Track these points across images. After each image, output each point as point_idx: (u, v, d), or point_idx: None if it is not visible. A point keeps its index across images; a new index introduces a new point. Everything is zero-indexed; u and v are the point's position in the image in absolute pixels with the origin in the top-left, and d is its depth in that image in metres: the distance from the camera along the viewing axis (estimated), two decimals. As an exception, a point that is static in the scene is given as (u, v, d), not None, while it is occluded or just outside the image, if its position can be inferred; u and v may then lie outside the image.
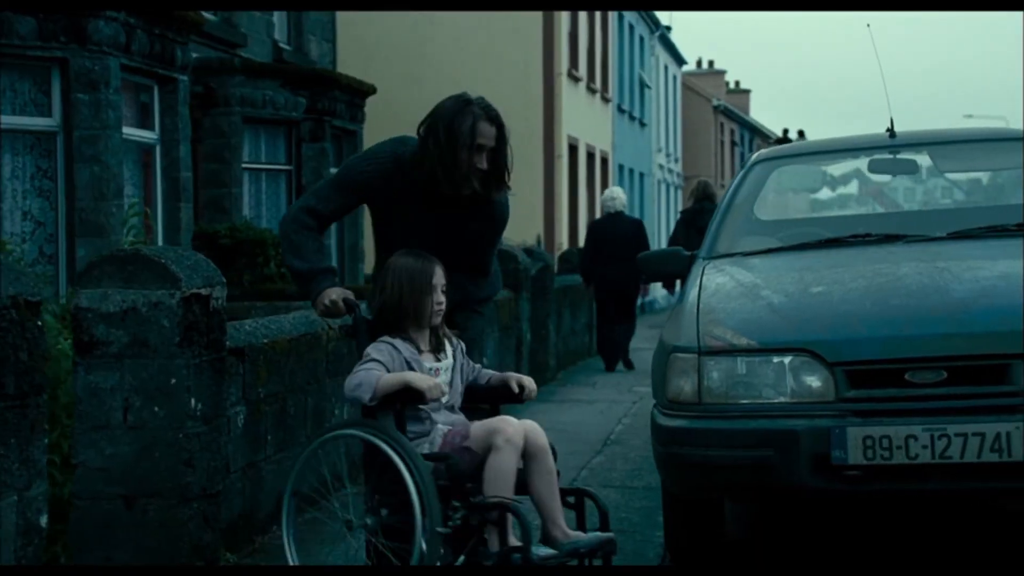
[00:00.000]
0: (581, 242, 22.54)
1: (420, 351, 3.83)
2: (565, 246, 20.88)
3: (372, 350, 3.76)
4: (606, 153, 26.58)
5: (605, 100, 25.95)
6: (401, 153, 4.11)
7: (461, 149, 3.99)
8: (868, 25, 5.52)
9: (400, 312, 3.80)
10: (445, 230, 4.10)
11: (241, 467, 4.77)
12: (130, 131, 9.46)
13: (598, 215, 24.51)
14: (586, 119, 23.41)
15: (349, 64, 17.25)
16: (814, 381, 4.05)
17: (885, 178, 5.91)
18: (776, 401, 4.07)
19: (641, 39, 31.50)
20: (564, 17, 21.29)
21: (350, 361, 6.26)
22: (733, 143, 49.82)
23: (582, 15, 23.28)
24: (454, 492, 3.68)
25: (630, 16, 29.34)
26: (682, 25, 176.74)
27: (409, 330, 3.82)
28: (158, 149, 9.96)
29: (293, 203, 4.39)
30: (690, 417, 4.14)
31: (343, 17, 16.92)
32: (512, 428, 3.71)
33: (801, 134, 48.27)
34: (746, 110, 62.32)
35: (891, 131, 5.63)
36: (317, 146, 13.24)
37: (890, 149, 5.60)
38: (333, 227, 14.36)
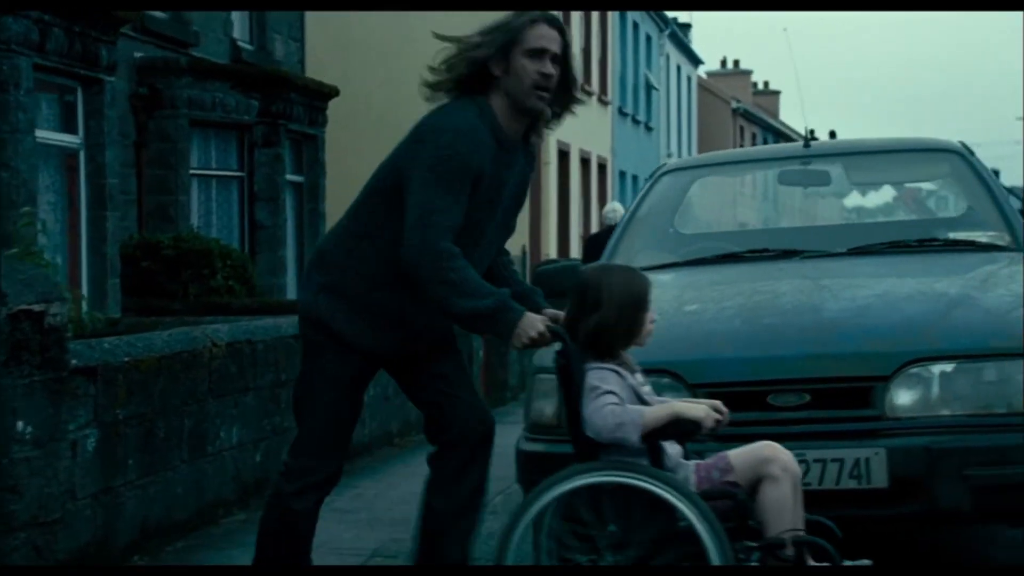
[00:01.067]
0: (572, 255, 22.56)
1: (633, 373, 3.59)
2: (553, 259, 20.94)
3: (599, 380, 3.46)
4: (604, 159, 26.64)
5: (603, 103, 26.03)
6: (482, 112, 3.63)
7: (517, 55, 3.60)
8: (785, 29, 5.57)
9: (617, 333, 3.53)
10: (507, 197, 3.67)
11: (92, 493, 4.82)
12: (48, 135, 9.54)
13: (594, 226, 24.61)
14: (579, 123, 23.37)
15: (319, 64, 17.35)
16: None
17: (796, 189, 5.96)
18: None
19: (648, 38, 31.59)
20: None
21: (240, 381, 6.34)
22: (754, 146, 49.93)
23: (576, 12, 23.37)
24: (741, 532, 3.42)
25: (634, 14, 29.42)
26: (706, 23, 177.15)
27: (621, 352, 3.56)
28: (82, 154, 10.04)
29: (413, 232, 3.46)
30: (550, 441, 4.18)
31: (313, 14, 17.03)
32: (786, 455, 3.48)
33: (832, 135, 48.24)
34: (775, 112, 62.46)
35: (807, 140, 5.69)
36: (271, 151, 13.32)
37: (802, 160, 5.65)
38: (292, 237, 14.52)
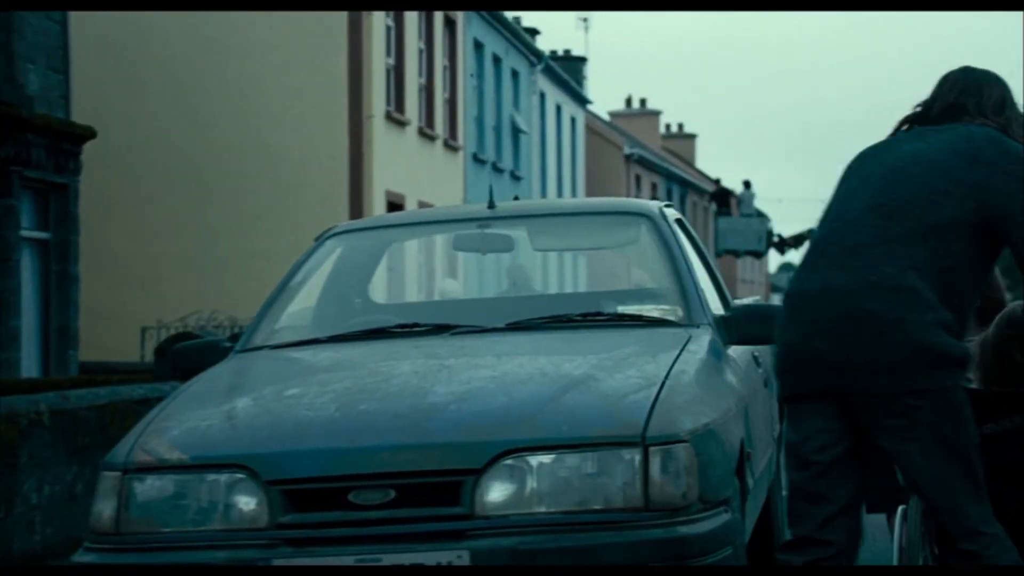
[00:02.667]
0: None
1: None
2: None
3: None
4: (456, 213, 26.85)
5: (452, 148, 26.34)
6: None
7: None
8: (472, 75, 5.77)
9: None
10: None
11: None
12: None
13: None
14: (418, 171, 23.74)
15: (93, 100, 17.36)
16: (248, 503, 4.19)
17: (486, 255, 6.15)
18: (206, 529, 4.21)
19: (515, 74, 32.05)
20: (379, 46, 21.68)
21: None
22: (654, 199, 50.53)
23: (411, 44, 23.69)
24: None
25: (495, 46, 29.88)
26: (609, 57, 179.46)
27: None
28: None
29: None
30: (105, 550, 4.25)
31: (84, 42, 17.04)
32: None
33: (747, 185, 49.35)
34: (690, 157, 63.54)
35: (491, 202, 5.88)
36: (2, 203, 13.23)
37: (480, 223, 5.85)
38: (33, 303, 14.40)
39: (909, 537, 4.23)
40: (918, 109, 4.22)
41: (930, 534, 4.19)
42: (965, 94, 4.15)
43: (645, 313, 5.30)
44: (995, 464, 3.95)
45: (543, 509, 4.10)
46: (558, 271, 21.28)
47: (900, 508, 4.30)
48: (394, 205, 21.88)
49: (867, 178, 4.06)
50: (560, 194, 37.43)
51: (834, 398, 3.93)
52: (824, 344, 3.89)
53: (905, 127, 4.21)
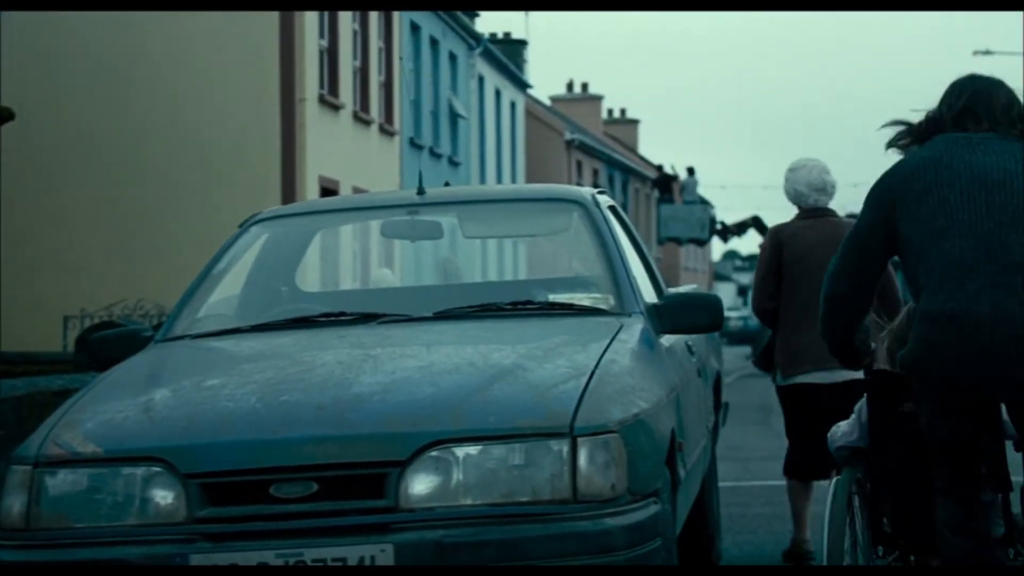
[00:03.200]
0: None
1: None
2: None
3: None
4: (391, 199, 26.75)
5: (387, 133, 26.27)
6: None
7: None
8: (400, 58, 5.78)
9: None
10: None
11: None
12: None
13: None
14: (353, 156, 23.66)
15: (11, 82, 17.18)
16: (165, 497, 4.18)
17: (404, 242, 6.15)
18: (121, 524, 4.19)
19: (453, 57, 32.01)
20: (312, 27, 21.57)
21: None
22: (596, 185, 50.67)
23: (346, 25, 23.59)
24: None
25: (433, 29, 29.81)
26: (551, 41, 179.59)
27: None
28: None
29: None
30: (13, 547, 4.20)
31: (4, 23, 16.86)
32: None
33: (691, 172, 49.58)
34: (633, 143, 63.72)
35: (420, 188, 5.87)
36: None
37: (410, 209, 5.84)
38: None
39: (838, 503, 4.60)
40: (932, 115, 4.51)
41: (864, 504, 4.70)
42: (974, 100, 4.43)
43: (576, 302, 5.31)
44: (913, 440, 4.47)
45: (469, 501, 4.11)
46: (495, 259, 21.30)
47: (835, 479, 4.69)
48: (328, 191, 21.79)
49: (966, 192, 4.33)
50: (500, 180, 37.44)
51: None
52: (1001, 363, 4.22)
53: (921, 135, 4.52)
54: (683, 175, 54.38)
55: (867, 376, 4.78)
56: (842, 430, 4.86)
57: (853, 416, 4.84)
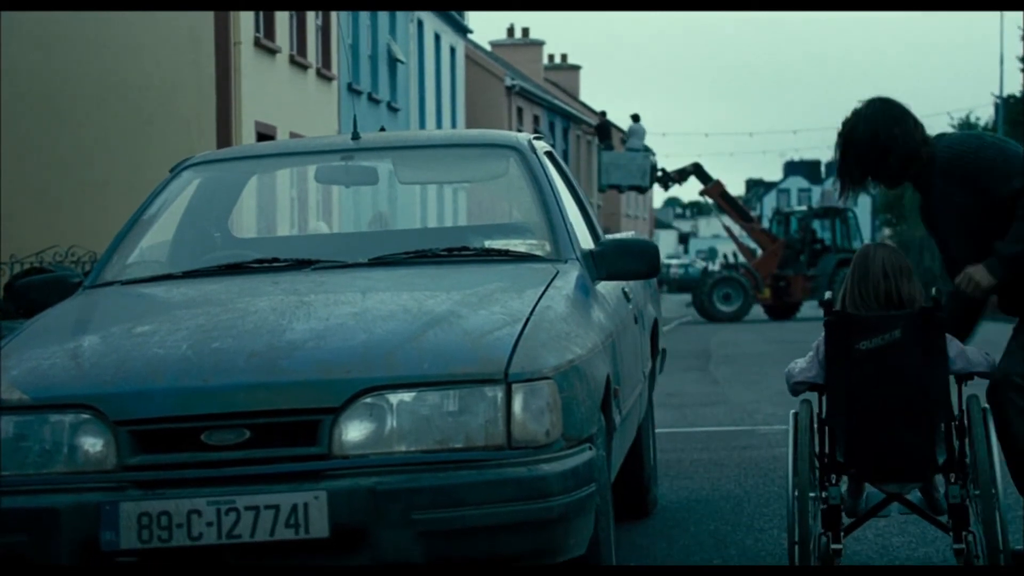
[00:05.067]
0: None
1: None
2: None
3: None
4: (329, 145, 26.64)
5: (325, 78, 26.10)
6: None
7: None
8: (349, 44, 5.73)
9: None
10: None
11: None
12: None
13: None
14: (290, 101, 23.50)
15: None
16: (95, 445, 4.16)
17: (338, 188, 6.13)
18: (49, 472, 4.16)
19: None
20: (248, -30, 21.36)
21: None
22: (536, 131, 50.61)
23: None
24: None
25: (370, -29, 29.58)
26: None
27: None
28: None
29: None
30: None
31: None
32: None
33: (636, 119, 49.45)
34: (574, 90, 63.63)
35: (355, 132, 5.84)
36: None
37: (344, 154, 5.81)
38: None
39: (803, 435, 4.94)
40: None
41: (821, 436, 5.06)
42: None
43: (512, 248, 5.31)
44: (871, 377, 4.90)
45: (403, 448, 4.12)
46: (434, 205, 21.24)
47: (792, 412, 5.06)
48: (264, 136, 21.65)
49: None
50: (439, 126, 37.31)
51: None
52: None
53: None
54: (628, 123, 54.36)
55: (826, 316, 4.99)
56: (800, 366, 5.10)
57: (811, 353, 5.08)
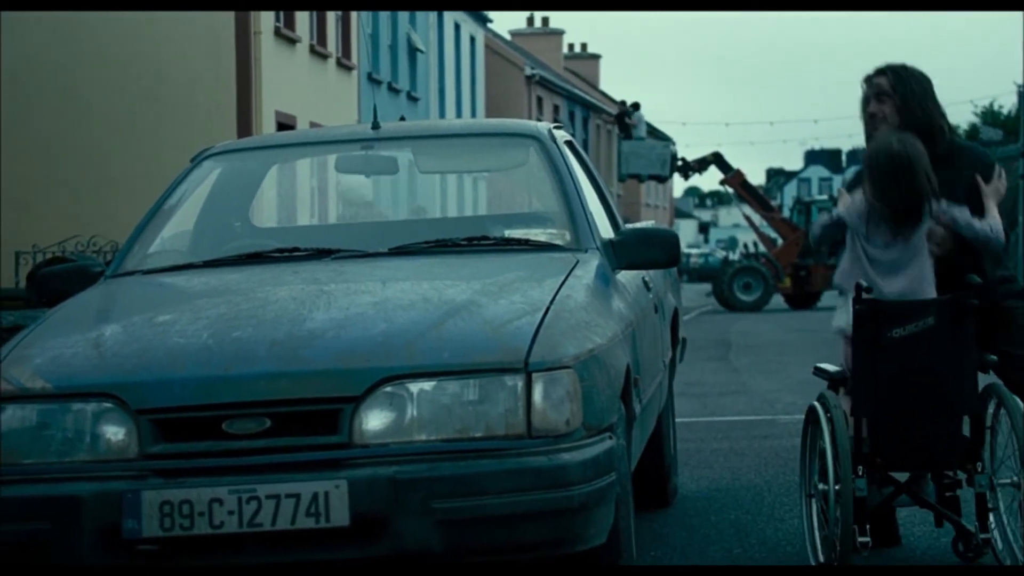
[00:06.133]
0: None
1: None
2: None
3: None
4: (349, 134, 26.66)
5: (345, 68, 26.12)
6: None
7: None
8: (369, 34, 5.72)
9: None
10: None
11: None
12: None
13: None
14: (310, 91, 23.53)
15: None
16: (117, 434, 4.18)
17: (358, 178, 6.14)
18: (72, 460, 4.19)
19: (411, -10, 31.79)
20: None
21: None
22: (556, 121, 50.46)
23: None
24: None
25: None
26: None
27: None
28: None
29: None
30: None
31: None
32: None
33: (636, 107, 49.42)
34: (594, 79, 63.53)
35: (375, 122, 5.85)
36: None
37: (364, 144, 5.82)
38: None
39: (839, 425, 5.01)
40: None
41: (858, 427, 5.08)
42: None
43: (532, 237, 5.31)
44: (901, 367, 4.98)
45: (423, 437, 4.13)
46: (454, 195, 21.26)
47: (819, 404, 5.20)
48: (285, 126, 21.68)
49: None
50: (459, 116, 37.30)
51: None
52: None
53: None
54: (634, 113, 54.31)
55: (856, 305, 5.03)
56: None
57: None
